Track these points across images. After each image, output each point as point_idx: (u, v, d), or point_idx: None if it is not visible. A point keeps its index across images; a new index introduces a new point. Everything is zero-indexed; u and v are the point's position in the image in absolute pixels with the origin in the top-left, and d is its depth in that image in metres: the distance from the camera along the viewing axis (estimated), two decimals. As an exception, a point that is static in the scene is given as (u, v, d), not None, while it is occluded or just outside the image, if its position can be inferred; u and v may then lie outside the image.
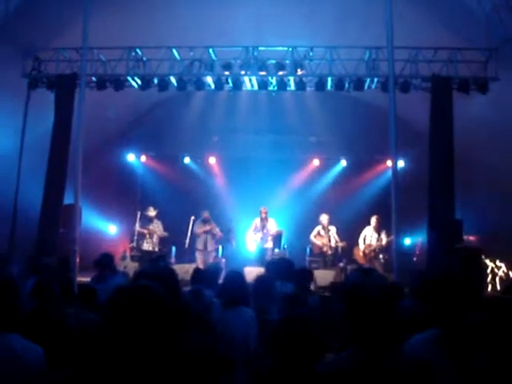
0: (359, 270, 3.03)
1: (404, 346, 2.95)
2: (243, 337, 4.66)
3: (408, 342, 3.00)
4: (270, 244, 13.71)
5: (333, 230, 13.69)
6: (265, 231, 13.72)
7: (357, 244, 13.79)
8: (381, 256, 13.47)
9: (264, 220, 13.81)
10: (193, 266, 11.72)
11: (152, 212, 13.89)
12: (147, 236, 13.76)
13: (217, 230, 13.89)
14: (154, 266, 6.33)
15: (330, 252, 13.51)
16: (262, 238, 13.67)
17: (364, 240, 13.68)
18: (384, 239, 13.37)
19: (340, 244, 13.52)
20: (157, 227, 13.89)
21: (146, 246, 13.75)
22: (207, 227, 13.79)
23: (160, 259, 7.81)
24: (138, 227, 13.90)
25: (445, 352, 2.85)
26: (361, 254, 13.66)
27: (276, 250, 13.69)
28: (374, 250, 13.52)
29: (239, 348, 4.63)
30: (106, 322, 2.26)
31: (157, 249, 13.80)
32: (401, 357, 2.52)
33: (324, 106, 14.68)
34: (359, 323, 2.51)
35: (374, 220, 13.61)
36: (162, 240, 14.04)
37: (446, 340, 2.90)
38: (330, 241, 13.52)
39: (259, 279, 5.62)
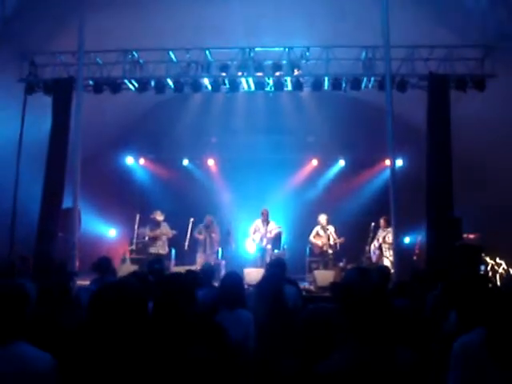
0: (353, 269, 3.02)
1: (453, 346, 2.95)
2: (242, 339, 4.64)
3: (457, 343, 2.98)
4: (269, 245, 13.68)
5: (331, 229, 13.66)
6: (265, 232, 13.70)
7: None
8: (388, 253, 13.34)
9: (265, 221, 13.80)
10: (193, 268, 11.74)
11: (160, 216, 13.89)
12: (155, 240, 13.74)
13: (214, 234, 13.91)
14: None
15: (330, 251, 13.49)
16: (261, 239, 13.65)
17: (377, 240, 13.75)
18: (389, 236, 13.35)
19: (338, 240, 13.49)
20: (165, 229, 13.86)
21: (154, 249, 13.71)
22: (204, 235, 13.85)
23: (156, 262, 7.78)
24: (148, 231, 13.88)
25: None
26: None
27: (275, 251, 13.67)
28: (379, 248, 13.54)
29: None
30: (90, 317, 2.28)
31: (167, 251, 13.83)
32: (396, 355, 2.51)
33: (321, 105, 14.69)
34: (354, 321, 2.50)
35: (382, 221, 13.55)
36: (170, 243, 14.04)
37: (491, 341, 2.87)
38: (329, 239, 13.51)
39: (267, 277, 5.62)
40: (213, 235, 13.90)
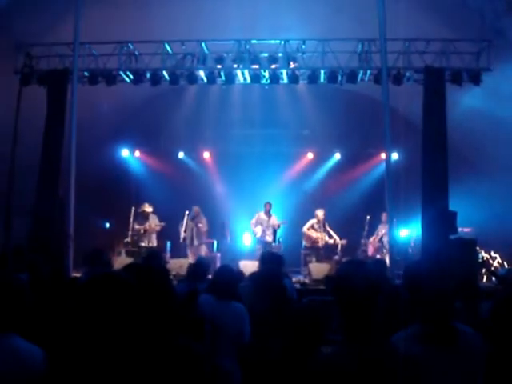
0: (349, 261, 3.02)
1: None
2: (236, 332, 4.65)
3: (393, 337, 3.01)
4: (269, 238, 13.70)
5: (327, 225, 13.64)
6: (267, 225, 13.71)
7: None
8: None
9: (267, 214, 13.81)
10: (188, 260, 11.83)
11: (148, 208, 13.83)
12: (145, 233, 13.71)
13: (201, 225, 13.95)
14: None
15: (321, 246, 13.48)
16: (263, 231, 13.66)
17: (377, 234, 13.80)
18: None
19: (340, 242, 13.46)
20: (153, 223, 13.78)
21: (144, 243, 13.66)
22: (188, 226, 13.93)
23: (154, 257, 7.73)
24: (135, 225, 13.82)
25: (425, 347, 2.84)
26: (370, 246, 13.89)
27: (272, 244, 13.67)
28: (380, 241, 13.60)
29: (232, 343, 4.62)
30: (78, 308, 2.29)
31: (155, 244, 13.74)
32: (389, 349, 2.51)
33: (317, 98, 14.66)
34: (347, 314, 2.50)
35: (383, 215, 13.58)
36: (159, 236, 13.99)
37: (428, 336, 2.89)
38: (325, 237, 13.47)
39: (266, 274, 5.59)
40: (199, 225, 13.91)
